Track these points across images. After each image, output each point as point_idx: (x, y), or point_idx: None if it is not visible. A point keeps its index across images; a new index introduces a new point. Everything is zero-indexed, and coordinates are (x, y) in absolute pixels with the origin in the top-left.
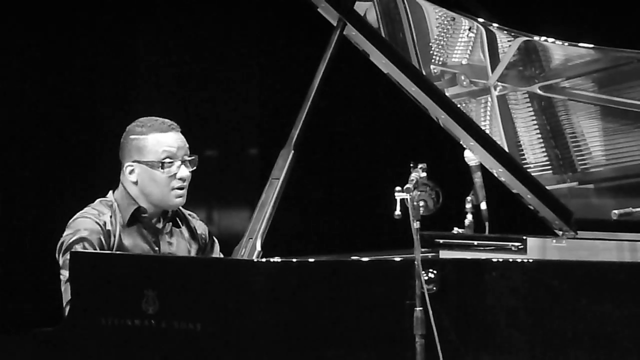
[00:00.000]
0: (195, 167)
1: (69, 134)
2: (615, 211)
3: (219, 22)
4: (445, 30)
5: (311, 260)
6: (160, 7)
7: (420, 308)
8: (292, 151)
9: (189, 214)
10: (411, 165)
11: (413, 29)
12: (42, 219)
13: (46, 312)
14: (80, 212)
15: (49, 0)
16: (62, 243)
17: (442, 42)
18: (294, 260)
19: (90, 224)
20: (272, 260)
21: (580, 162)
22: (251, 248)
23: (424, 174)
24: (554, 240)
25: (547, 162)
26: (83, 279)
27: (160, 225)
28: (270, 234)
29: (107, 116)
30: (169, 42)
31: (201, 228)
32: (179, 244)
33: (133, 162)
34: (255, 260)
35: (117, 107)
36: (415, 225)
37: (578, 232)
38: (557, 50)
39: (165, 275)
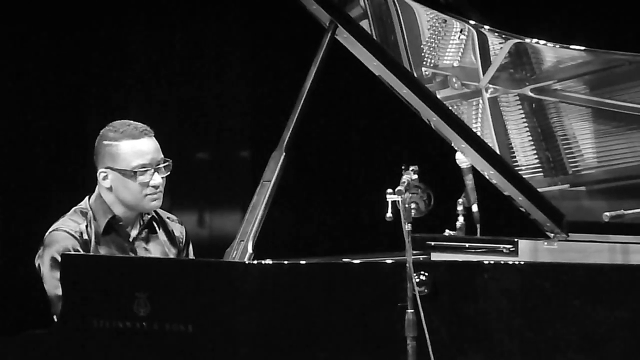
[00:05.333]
0: (169, 172)
1: (61, 132)
2: (607, 213)
3: (210, 24)
4: (436, 33)
5: (302, 262)
6: (152, 7)
7: (412, 310)
8: (284, 154)
9: (168, 217)
10: (402, 167)
11: (404, 31)
12: (34, 220)
13: (36, 314)
14: (56, 224)
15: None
16: (40, 260)
17: (433, 45)
18: (286, 262)
19: (65, 238)
20: (263, 262)
21: (571, 165)
22: (243, 250)
23: (416, 176)
24: (546, 243)
25: (539, 165)
26: (74, 281)
27: (136, 232)
28: (261, 236)
29: (97, 117)
30: (160, 44)
31: (178, 230)
32: (155, 250)
33: (106, 168)
34: (247, 262)
35: (106, 109)
36: (407, 227)
37: (569, 234)
38: (549, 52)
39: (156, 278)
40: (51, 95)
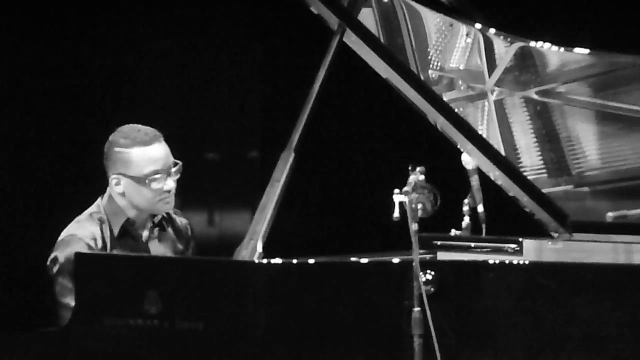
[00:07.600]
0: (179, 174)
1: (70, 133)
2: (610, 214)
3: (219, 25)
4: (443, 36)
5: (311, 261)
6: (161, 9)
7: (418, 308)
8: (293, 154)
9: (174, 212)
10: (410, 168)
11: (411, 35)
12: (41, 217)
13: (44, 311)
14: (71, 228)
15: (44, 2)
16: (54, 264)
17: (440, 48)
18: (294, 261)
19: (78, 243)
20: (272, 261)
21: (575, 166)
22: (252, 249)
23: (422, 177)
24: (550, 242)
25: (543, 166)
26: (87, 279)
27: (147, 233)
28: (271, 236)
29: (107, 118)
30: (169, 44)
31: (183, 224)
32: (167, 247)
33: (118, 174)
34: (256, 261)
35: (117, 110)
36: (414, 227)
37: (573, 234)
38: (553, 55)
39: (167, 276)
40: (58, 93)
